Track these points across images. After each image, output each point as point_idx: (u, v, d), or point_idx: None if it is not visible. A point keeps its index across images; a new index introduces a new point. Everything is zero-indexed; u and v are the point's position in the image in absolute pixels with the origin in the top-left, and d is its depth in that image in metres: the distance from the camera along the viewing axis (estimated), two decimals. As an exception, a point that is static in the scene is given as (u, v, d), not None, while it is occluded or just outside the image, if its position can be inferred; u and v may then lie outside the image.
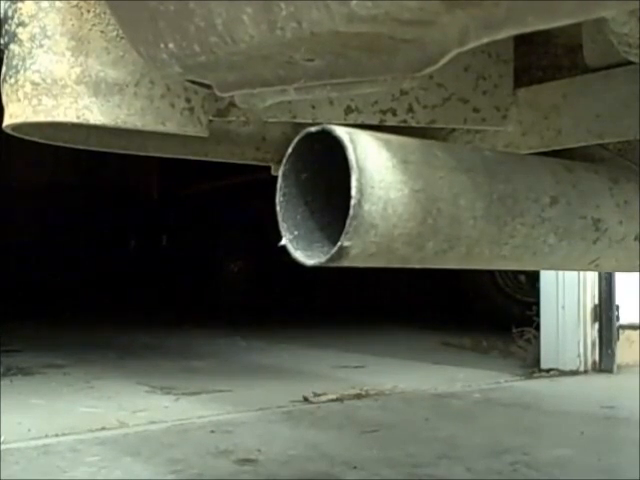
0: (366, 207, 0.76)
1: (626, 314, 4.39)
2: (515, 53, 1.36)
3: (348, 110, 1.29)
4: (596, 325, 4.34)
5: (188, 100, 1.18)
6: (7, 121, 1.14)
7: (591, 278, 4.31)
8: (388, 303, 7.95)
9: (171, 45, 0.91)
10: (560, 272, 4.25)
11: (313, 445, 2.63)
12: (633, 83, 1.17)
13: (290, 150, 0.82)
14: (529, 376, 4.20)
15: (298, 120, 1.29)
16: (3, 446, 2.55)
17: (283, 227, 0.82)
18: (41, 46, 1.10)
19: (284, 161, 0.82)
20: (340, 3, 0.74)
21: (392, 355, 4.97)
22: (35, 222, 9.40)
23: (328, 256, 0.78)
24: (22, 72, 1.10)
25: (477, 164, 0.90)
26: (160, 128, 1.16)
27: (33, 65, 1.10)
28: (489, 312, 6.00)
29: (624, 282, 4.30)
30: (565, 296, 4.34)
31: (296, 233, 0.82)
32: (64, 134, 1.28)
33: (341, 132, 0.78)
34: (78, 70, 1.10)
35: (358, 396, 3.49)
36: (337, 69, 0.85)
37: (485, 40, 0.74)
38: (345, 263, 0.80)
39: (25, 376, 4.05)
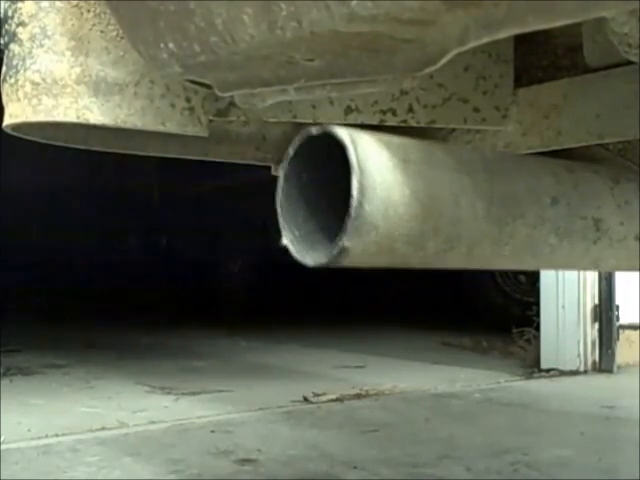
0: (367, 208, 0.76)
1: (626, 314, 4.39)
2: (515, 53, 1.36)
3: (348, 110, 1.29)
4: (596, 325, 4.34)
5: (188, 100, 1.18)
6: (7, 121, 1.14)
7: (591, 278, 4.30)
8: (388, 303, 7.94)
9: (171, 45, 0.91)
10: (560, 272, 4.24)
11: (313, 445, 2.63)
12: (633, 83, 1.16)
13: (291, 151, 0.81)
14: (529, 376, 4.19)
15: (298, 120, 1.28)
16: (3, 446, 2.55)
17: (284, 228, 0.82)
18: (41, 46, 1.10)
19: (285, 162, 0.82)
20: (340, 3, 0.74)
21: (392, 355, 4.97)
22: (35, 222, 9.40)
23: (329, 257, 0.78)
24: (22, 72, 1.10)
25: (478, 164, 0.90)
26: (160, 128, 1.16)
27: (33, 65, 1.10)
28: (489, 312, 6.00)
29: (624, 282, 4.30)
30: (565, 296, 4.34)
31: (297, 234, 0.82)
32: (64, 134, 1.27)
33: (342, 133, 0.78)
34: (78, 70, 1.10)
35: (358, 396, 3.49)
36: (337, 69, 0.85)
37: (485, 40, 0.74)
38: (346, 264, 0.80)
39: (25, 376, 4.06)
